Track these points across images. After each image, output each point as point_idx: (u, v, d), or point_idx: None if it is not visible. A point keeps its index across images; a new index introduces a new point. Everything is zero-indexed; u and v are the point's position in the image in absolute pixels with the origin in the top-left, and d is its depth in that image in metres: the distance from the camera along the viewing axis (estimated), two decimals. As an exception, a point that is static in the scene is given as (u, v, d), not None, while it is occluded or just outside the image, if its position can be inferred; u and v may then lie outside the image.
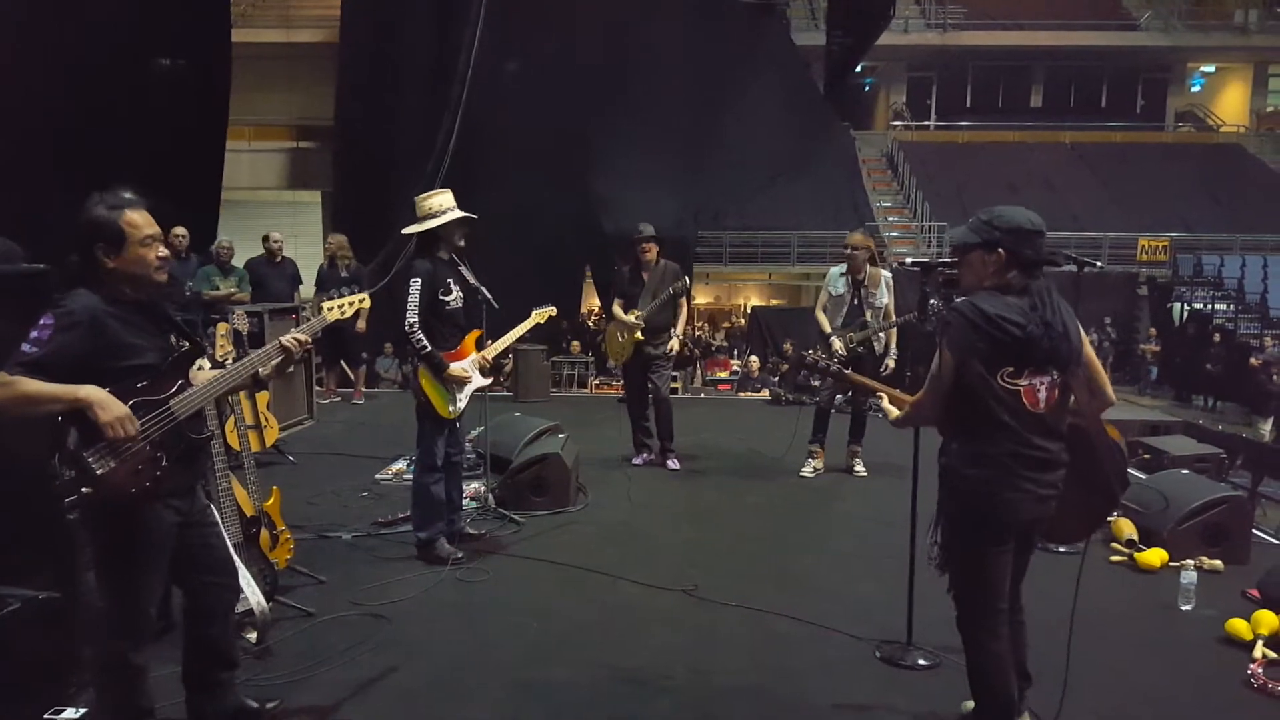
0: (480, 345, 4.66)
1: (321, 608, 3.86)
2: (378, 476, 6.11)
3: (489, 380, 4.70)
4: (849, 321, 6.05)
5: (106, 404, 2.34)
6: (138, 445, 2.43)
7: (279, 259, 8.36)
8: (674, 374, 6.83)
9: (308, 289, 9.03)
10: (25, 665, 2.79)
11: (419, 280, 4.32)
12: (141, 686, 2.61)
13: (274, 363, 2.82)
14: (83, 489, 2.37)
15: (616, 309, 6.37)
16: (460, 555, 4.52)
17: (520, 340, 5.12)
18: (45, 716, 2.83)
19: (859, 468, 6.33)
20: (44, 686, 2.88)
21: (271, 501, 3.89)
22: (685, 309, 6.55)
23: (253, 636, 3.45)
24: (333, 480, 6.00)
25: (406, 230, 4.48)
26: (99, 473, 2.38)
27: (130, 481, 2.43)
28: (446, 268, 4.43)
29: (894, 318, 6.06)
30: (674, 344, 6.38)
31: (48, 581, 2.89)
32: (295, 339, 2.81)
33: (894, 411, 2.94)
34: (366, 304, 3.27)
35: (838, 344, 5.91)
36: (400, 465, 6.30)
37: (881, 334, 6.03)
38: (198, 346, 2.69)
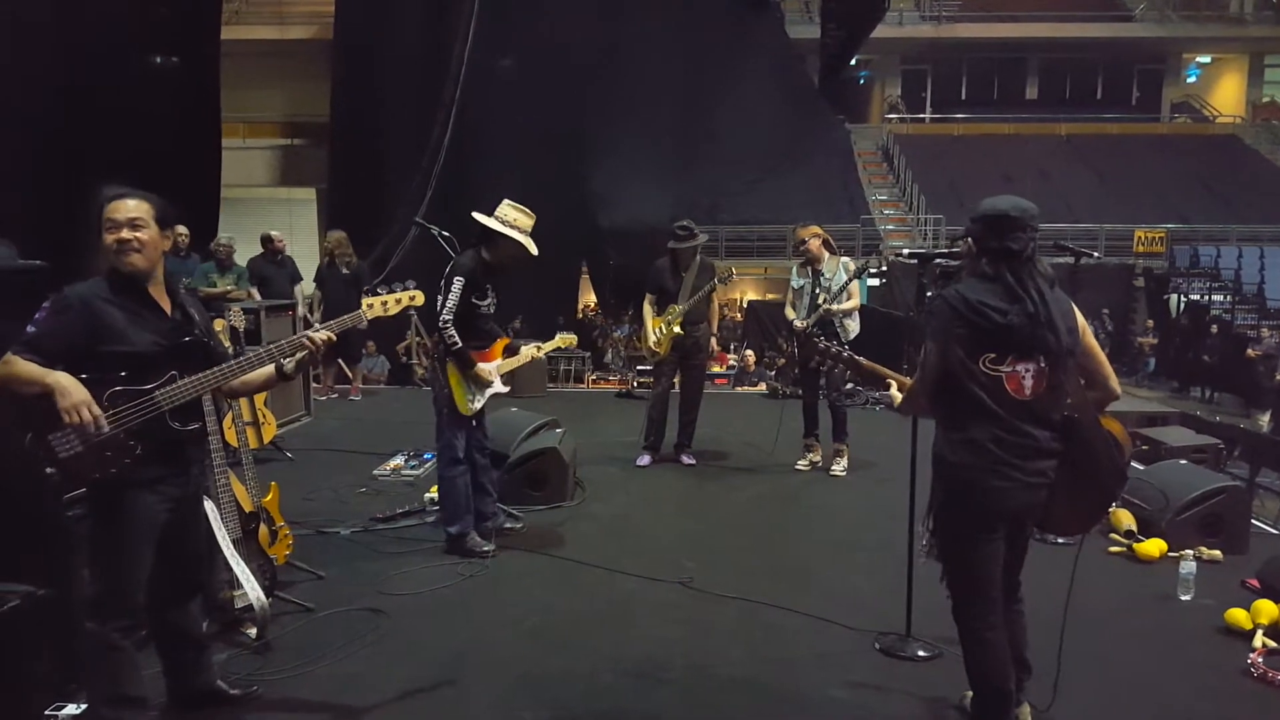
0: (510, 352, 4.69)
1: (320, 603, 3.86)
2: (375, 472, 6.10)
3: (507, 388, 4.76)
4: (812, 311, 6.02)
5: (67, 390, 2.39)
6: (109, 432, 2.46)
7: (280, 257, 8.36)
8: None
9: (307, 286, 9.02)
10: (26, 661, 2.79)
11: (462, 280, 4.34)
12: (128, 673, 2.61)
13: (297, 357, 2.79)
14: (48, 469, 2.48)
15: (647, 306, 6.37)
16: (491, 548, 4.54)
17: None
18: (46, 712, 2.83)
19: (836, 468, 6.17)
20: (45, 682, 2.87)
21: (270, 497, 3.88)
22: (716, 303, 6.57)
23: (252, 632, 3.45)
24: (330, 476, 5.99)
25: (480, 218, 4.46)
26: (60, 455, 2.43)
27: (95, 467, 2.47)
28: (487, 274, 4.48)
29: (855, 299, 6.02)
30: (714, 342, 6.50)
31: (45, 578, 2.88)
32: (319, 336, 2.77)
33: (898, 397, 2.95)
34: (419, 300, 3.04)
35: (798, 324, 6.00)
36: (398, 461, 6.29)
37: (845, 319, 5.96)
38: (198, 341, 2.70)
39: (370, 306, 2.96)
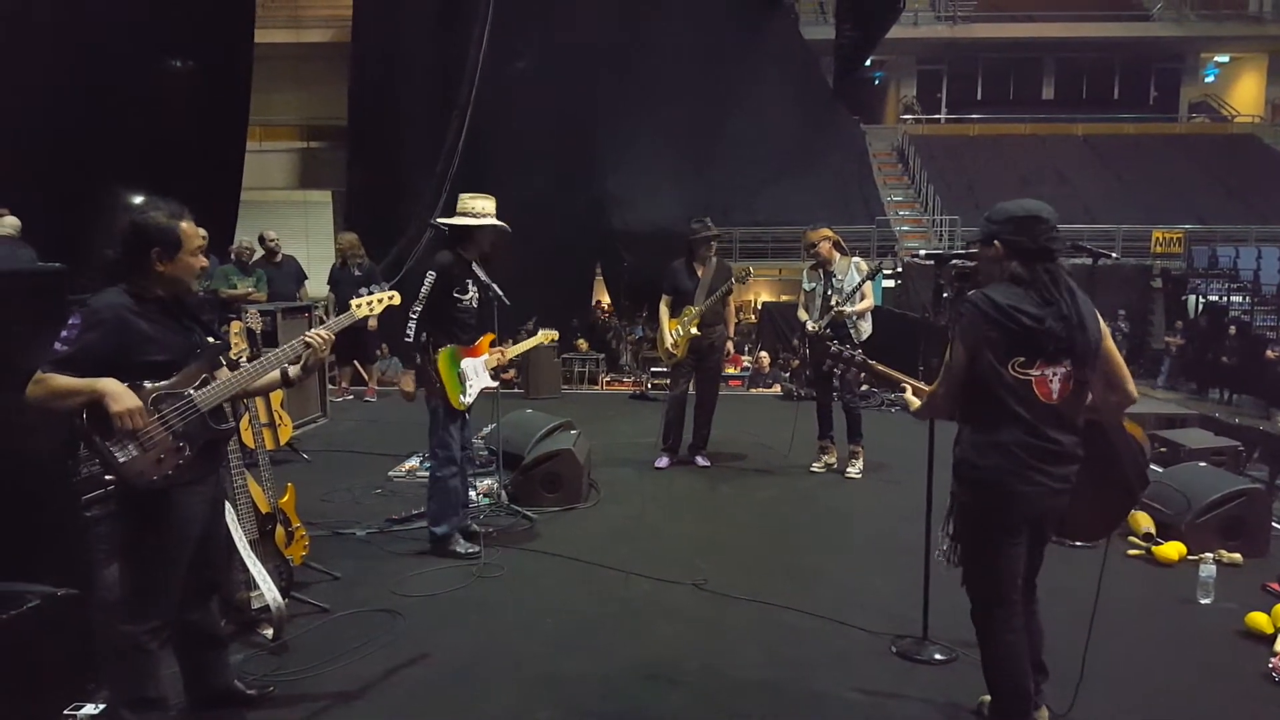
0: (493, 347, 4.71)
1: (336, 604, 3.89)
2: (391, 474, 6.13)
3: (497, 383, 4.75)
4: (824, 313, 5.99)
5: (120, 396, 2.45)
6: (160, 435, 2.52)
7: (278, 258, 8.37)
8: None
9: (316, 287, 9.05)
10: (45, 661, 2.81)
11: (434, 274, 4.39)
12: (151, 674, 2.64)
13: (301, 362, 2.91)
14: (107, 476, 2.48)
15: (663, 308, 6.36)
16: (476, 550, 4.53)
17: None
18: (65, 712, 2.85)
19: (851, 470, 6.16)
20: (64, 682, 2.90)
21: (286, 498, 3.90)
22: (733, 305, 6.55)
23: (269, 632, 3.48)
24: (346, 477, 6.02)
25: (441, 220, 4.59)
26: (121, 460, 2.47)
27: (153, 469, 2.52)
28: (466, 267, 4.50)
29: (868, 300, 6.01)
30: (729, 345, 6.47)
31: (65, 578, 2.91)
32: (319, 335, 2.91)
33: (915, 402, 2.93)
34: (396, 300, 3.31)
35: (810, 326, 5.97)
36: (413, 462, 6.31)
37: (857, 320, 5.95)
38: (223, 343, 2.79)
39: (359, 306, 3.17)
